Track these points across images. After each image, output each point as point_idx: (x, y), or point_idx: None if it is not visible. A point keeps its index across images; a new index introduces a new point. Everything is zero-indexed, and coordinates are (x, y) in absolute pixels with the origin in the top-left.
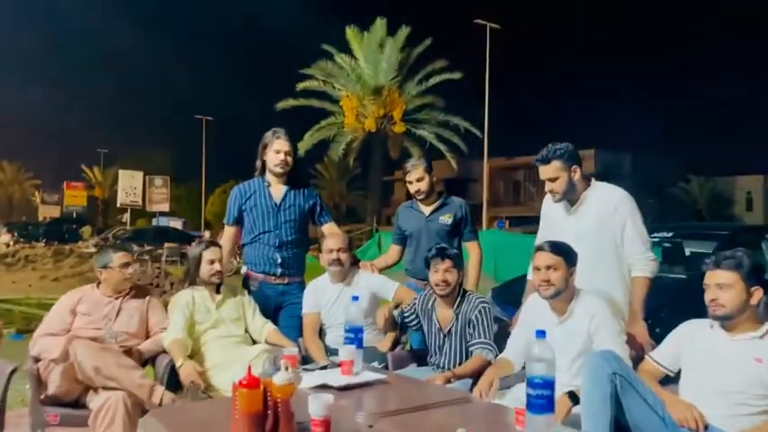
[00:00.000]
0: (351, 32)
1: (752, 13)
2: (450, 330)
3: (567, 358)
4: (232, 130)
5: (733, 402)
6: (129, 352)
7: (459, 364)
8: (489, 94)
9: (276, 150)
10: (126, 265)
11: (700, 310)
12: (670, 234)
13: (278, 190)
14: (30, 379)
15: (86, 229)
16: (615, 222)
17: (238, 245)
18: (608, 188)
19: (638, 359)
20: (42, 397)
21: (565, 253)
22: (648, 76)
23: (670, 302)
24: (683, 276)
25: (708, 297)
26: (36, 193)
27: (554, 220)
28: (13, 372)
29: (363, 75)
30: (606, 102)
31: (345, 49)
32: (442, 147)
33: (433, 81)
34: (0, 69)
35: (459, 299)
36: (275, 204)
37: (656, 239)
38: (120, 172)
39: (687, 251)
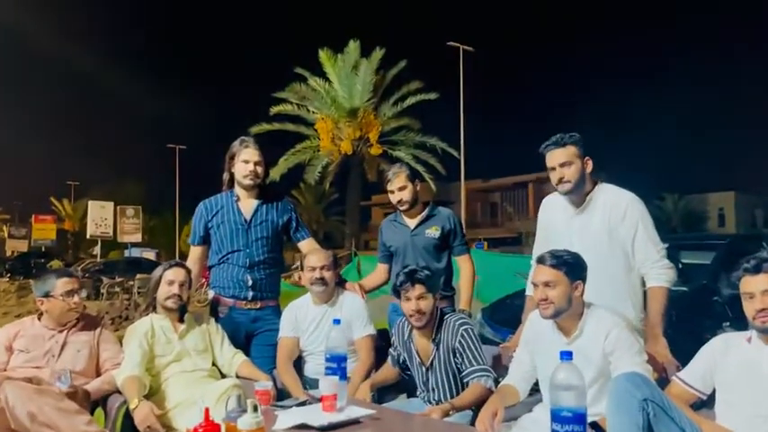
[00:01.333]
0: (324, 55)
1: (719, 29)
2: (432, 363)
3: (586, 377)
4: (206, 158)
5: None
6: (73, 393)
7: (449, 396)
8: (464, 116)
9: (244, 160)
10: (71, 292)
11: (705, 324)
12: (665, 245)
13: (248, 204)
14: None
15: (55, 263)
16: (625, 228)
17: (206, 267)
18: (616, 190)
19: (660, 382)
20: None
21: (567, 265)
22: (621, 97)
23: (675, 317)
24: (685, 288)
25: (754, 307)
26: (3, 228)
27: (554, 227)
28: None
29: (338, 97)
30: (580, 123)
31: (319, 71)
32: (419, 168)
33: (408, 102)
34: None
35: (436, 326)
36: (245, 221)
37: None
38: (90, 203)
39: (679, 264)
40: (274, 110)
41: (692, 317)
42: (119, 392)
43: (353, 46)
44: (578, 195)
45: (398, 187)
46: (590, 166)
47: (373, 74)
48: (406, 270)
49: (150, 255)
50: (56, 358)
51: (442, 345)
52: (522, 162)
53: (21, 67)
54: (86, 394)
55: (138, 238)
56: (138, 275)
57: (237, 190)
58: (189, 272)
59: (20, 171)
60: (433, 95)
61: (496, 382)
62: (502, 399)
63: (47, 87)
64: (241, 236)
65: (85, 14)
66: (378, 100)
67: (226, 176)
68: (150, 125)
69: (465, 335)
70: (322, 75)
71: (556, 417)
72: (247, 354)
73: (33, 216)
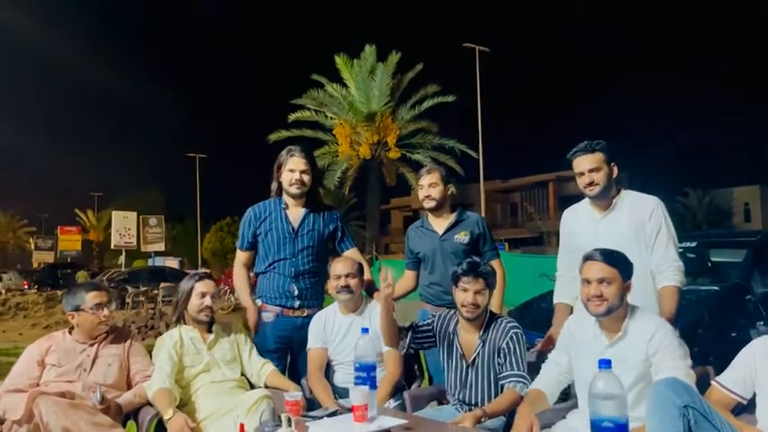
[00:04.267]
0: (340, 60)
1: (743, 21)
2: (474, 360)
3: (625, 382)
4: (226, 167)
5: None
6: (106, 407)
7: (487, 399)
8: (482, 117)
9: (290, 169)
10: (100, 305)
11: (739, 324)
12: (693, 244)
13: (295, 213)
14: None
15: (81, 273)
16: (650, 226)
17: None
18: (639, 194)
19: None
20: None
21: (621, 263)
22: (643, 94)
23: (707, 317)
24: (716, 288)
25: None
26: (30, 240)
27: (579, 232)
28: None
29: (355, 102)
30: (600, 119)
31: (336, 77)
32: None
33: (426, 105)
34: None
35: (485, 323)
36: (292, 229)
37: (680, 250)
38: (114, 213)
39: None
40: (292, 117)
41: (724, 317)
42: (150, 405)
43: (369, 50)
44: (605, 199)
45: (429, 183)
46: (615, 171)
47: (390, 78)
48: (470, 261)
49: (174, 263)
50: (87, 372)
51: (488, 343)
52: (541, 161)
53: (41, 80)
54: (118, 407)
55: (161, 247)
56: (163, 284)
57: (286, 198)
58: (217, 283)
59: (44, 183)
60: (450, 98)
61: None
62: (533, 407)
63: (66, 99)
64: (288, 245)
65: (103, 23)
66: (395, 104)
67: (274, 186)
68: (170, 135)
69: (514, 337)
70: (339, 80)
71: (596, 427)
72: (294, 360)
73: (59, 228)
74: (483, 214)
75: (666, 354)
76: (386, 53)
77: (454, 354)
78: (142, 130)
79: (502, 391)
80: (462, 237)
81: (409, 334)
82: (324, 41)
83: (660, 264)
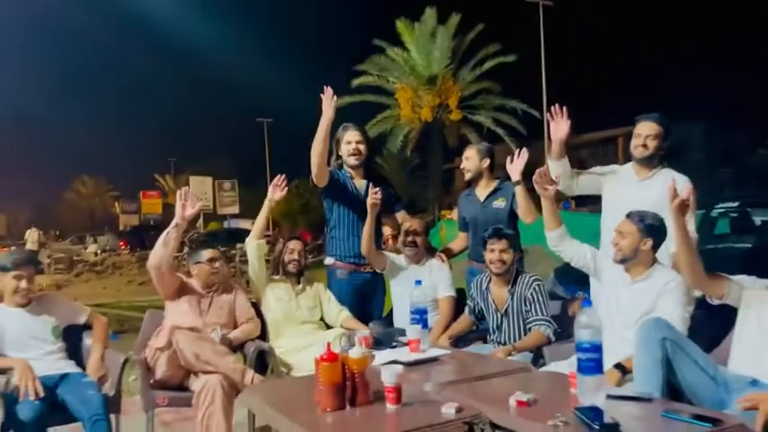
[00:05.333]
0: (401, 24)
1: None
2: (506, 310)
3: (632, 315)
4: (292, 131)
5: None
6: (222, 339)
7: (518, 339)
8: (546, 72)
9: (348, 141)
10: (213, 260)
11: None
12: (736, 204)
13: (360, 183)
14: (140, 366)
15: None
16: None
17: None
18: (675, 173)
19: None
20: (151, 382)
21: (642, 223)
22: (719, 44)
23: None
24: (749, 245)
25: None
26: (116, 204)
27: (620, 190)
28: (125, 361)
29: (417, 66)
30: (674, 73)
31: (397, 41)
32: (500, 131)
33: (487, 66)
34: (74, 95)
35: (513, 279)
36: (361, 196)
37: (722, 210)
38: (191, 178)
39: (758, 220)
40: (356, 82)
41: (758, 272)
42: (252, 340)
43: (430, 13)
44: (648, 166)
45: (465, 157)
46: (664, 147)
47: (450, 40)
48: (494, 227)
49: (247, 224)
50: (206, 313)
51: (516, 294)
52: (610, 116)
53: (119, 44)
54: (229, 341)
55: (235, 210)
56: (239, 245)
57: (348, 170)
58: (305, 243)
59: (124, 149)
60: (511, 58)
61: (556, 333)
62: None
63: (139, 66)
64: (358, 209)
65: None
66: (456, 65)
67: (335, 161)
68: (239, 100)
69: (537, 288)
70: (400, 44)
71: (579, 348)
72: (364, 310)
73: (141, 192)
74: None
75: (669, 298)
76: (446, 15)
77: (490, 306)
78: (212, 97)
79: (528, 332)
80: (500, 203)
81: (471, 316)
82: (385, 6)
83: None
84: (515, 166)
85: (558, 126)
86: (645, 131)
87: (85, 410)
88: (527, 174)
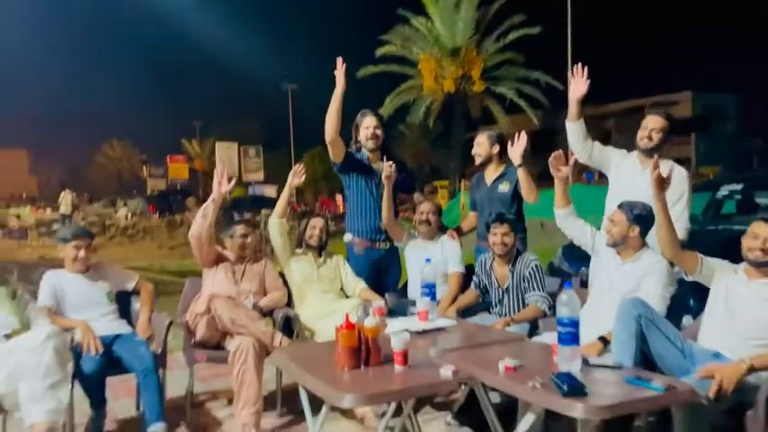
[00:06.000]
0: None
1: None
2: (507, 287)
3: (619, 293)
4: (316, 97)
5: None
6: (254, 306)
7: (517, 312)
8: (572, 40)
9: (365, 127)
10: (244, 235)
11: None
12: (740, 186)
13: (377, 165)
14: (183, 328)
15: (190, 200)
16: (672, 193)
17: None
18: (675, 164)
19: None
20: (192, 342)
21: (632, 212)
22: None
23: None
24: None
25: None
26: (144, 168)
27: (625, 172)
28: (170, 324)
29: (440, 36)
30: (704, 42)
31: (421, 11)
32: (522, 103)
33: (511, 37)
34: (102, 59)
35: (514, 259)
36: (378, 177)
37: (726, 193)
38: (217, 144)
39: (763, 202)
40: (379, 51)
41: None
42: (280, 307)
43: None
44: (652, 156)
45: (477, 143)
46: (666, 141)
47: (475, 10)
48: (497, 212)
49: (271, 191)
50: (239, 282)
51: (516, 273)
52: (637, 85)
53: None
54: (260, 308)
55: (260, 176)
56: (263, 211)
57: (366, 153)
58: (327, 221)
59: (150, 113)
60: (535, 30)
61: (551, 308)
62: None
63: (164, 31)
64: (375, 190)
65: None
66: (480, 36)
67: (354, 145)
68: (264, 66)
69: (534, 267)
70: (424, 14)
71: (560, 322)
72: (381, 283)
73: (168, 156)
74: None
75: (652, 279)
76: None
77: (492, 284)
78: (236, 62)
79: (526, 306)
80: (504, 187)
81: (477, 290)
82: None
83: (675, 221)
84: (515, 150)
85: (578, 85)
86: (651, 125)
87: (138, 365)
88: (550, 148)
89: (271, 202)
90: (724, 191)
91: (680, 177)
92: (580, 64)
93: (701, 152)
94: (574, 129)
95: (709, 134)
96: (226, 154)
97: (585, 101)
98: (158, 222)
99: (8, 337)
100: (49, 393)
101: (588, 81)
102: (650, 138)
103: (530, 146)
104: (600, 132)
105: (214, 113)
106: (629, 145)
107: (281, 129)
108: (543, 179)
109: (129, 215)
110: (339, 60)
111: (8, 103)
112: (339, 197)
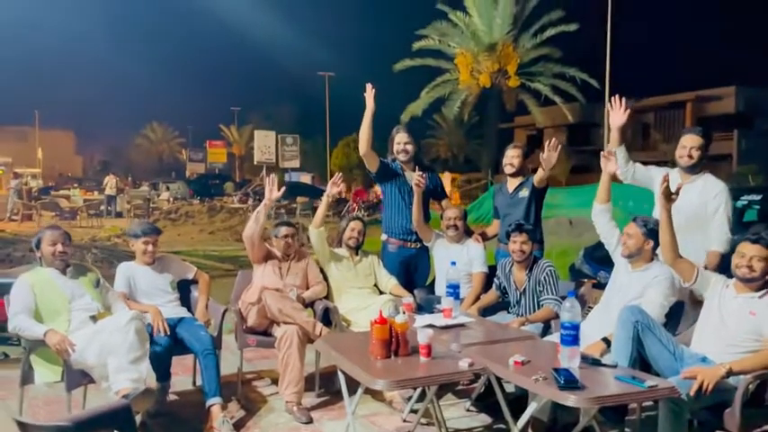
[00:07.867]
0: None
1: None
2: (524, 289)
3: (626, 297)
4: (353, 86)
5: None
6: (298, 298)
7: (533, 313)
8: (612, 34)
9: (398, 142)
10: (287, 236)
11: None
12: (759, 197)
13: (409, 175)
14: (235, 315)
15: (228, 185)
16: (712, 207)
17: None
18: (714, 179)
19: None
20: (244, 327)
21: (645, 227)
22: None
23: None
24: None
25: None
26: (183, 152)
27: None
28: (225, 311)
29: (478, 31)
30: (747, 37)
31: (460, 6)
32: (557, 99)
33: (548, 33)
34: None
35: (531, 265)
36: (410, 185)
37: (745, 202)
38: (256, 132)
39: None
40: (417, 45)
41: None
42: (320, 300)
43: None
44: (692, 173)
45: (513, 155)
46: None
47: (513, 6)
48: (517, 222)
49: (307, 178)
50: (284, 277)
51: (532, 277)
52: (678, 80)
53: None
54: (303, 300)
55: (296, 164)
56: (299, 198)
57: (400, 164)
58: (365, 225)
59: (190, 98)
60: (573, 26)
61: None
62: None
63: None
64: (407, 197)
65: None
66: (517, 32)
67: (389, 156)
68: (302, 52)
69: (549, 273)
70: (462, 9)
71: (562, 325)
72: (411, 279)
73: (207, 141)
74: (606, 136)
75: (655, 289)
76: None
77: (511, 286)
78: (273, 50)
79: (540, 308)
80: (524, 193)
81: (497, 291)
82: None
83: (715, 233)
84: (548, 159)
85: (616, 115)
86: (689, 143)
87: (199, 345)
88: (585, 142)
89: (308, 190)
90: (743, 200)
91: (716, 191)
92: (617, 96)
93: (743, 148)
94: (617, 153)
95: (752, 131)
96: (264, 141)
97: (625, 93)
98: (199, 207)
99: (94, 318)
100: (132, 366)
101: (628, 111)
102: (690, 156)
103: (565, 139)
104: (638, 126)
105: (252, 100)
106: (668, 138)
107: (317, 116)
108: (577, 171)
109: (171, 199)
110: (368, 86)
111: (60, 87)
112: (376, 187)
